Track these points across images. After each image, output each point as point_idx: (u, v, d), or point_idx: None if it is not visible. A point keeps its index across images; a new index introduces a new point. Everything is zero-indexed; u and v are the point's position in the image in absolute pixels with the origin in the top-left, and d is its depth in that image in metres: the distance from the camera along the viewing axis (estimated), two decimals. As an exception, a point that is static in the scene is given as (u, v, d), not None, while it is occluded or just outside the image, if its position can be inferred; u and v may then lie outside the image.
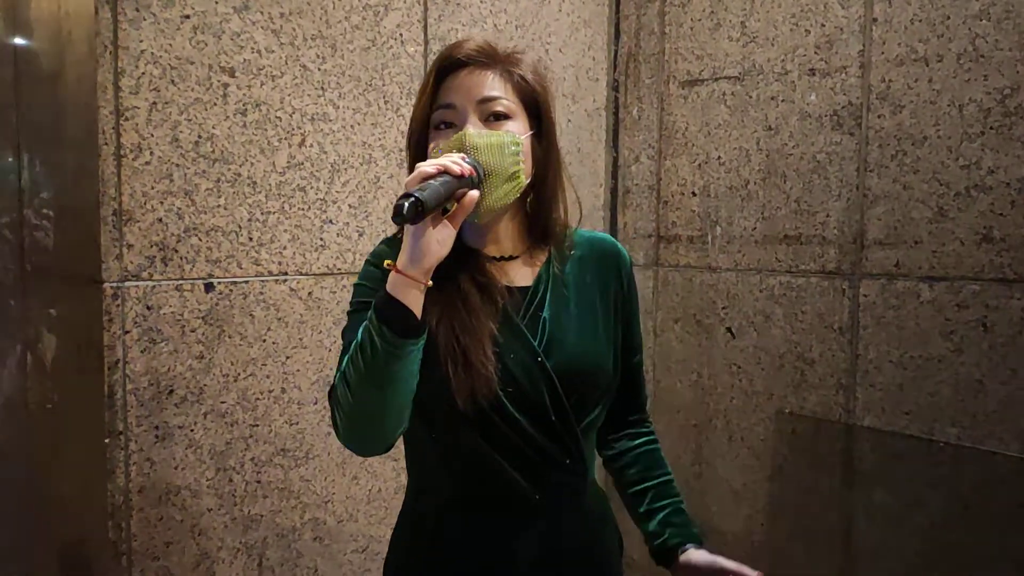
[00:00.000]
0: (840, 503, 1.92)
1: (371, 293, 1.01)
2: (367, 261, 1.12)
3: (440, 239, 0.96)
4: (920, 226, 1.77)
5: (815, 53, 1.93)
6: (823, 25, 1.91)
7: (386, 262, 0.97)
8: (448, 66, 1.08)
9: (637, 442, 1.26)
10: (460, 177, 0.96)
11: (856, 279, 1.87)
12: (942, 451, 1.75)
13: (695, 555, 1.16)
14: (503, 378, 1.04)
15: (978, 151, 1.68)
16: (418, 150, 1.09)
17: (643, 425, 1.28)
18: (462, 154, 1.00)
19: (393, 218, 0.90)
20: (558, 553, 1.09)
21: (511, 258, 1.13)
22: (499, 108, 1.06)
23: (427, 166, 0.95)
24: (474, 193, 0.98)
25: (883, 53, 1.81)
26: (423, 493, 1.15)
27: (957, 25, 1.70)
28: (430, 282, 0.96)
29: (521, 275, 1.12)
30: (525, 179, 1.07)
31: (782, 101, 1.99)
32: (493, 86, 1.07)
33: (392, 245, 1.09)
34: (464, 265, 1.06)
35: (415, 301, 0.95)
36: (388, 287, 0.95)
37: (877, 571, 1.86)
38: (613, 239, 1.23)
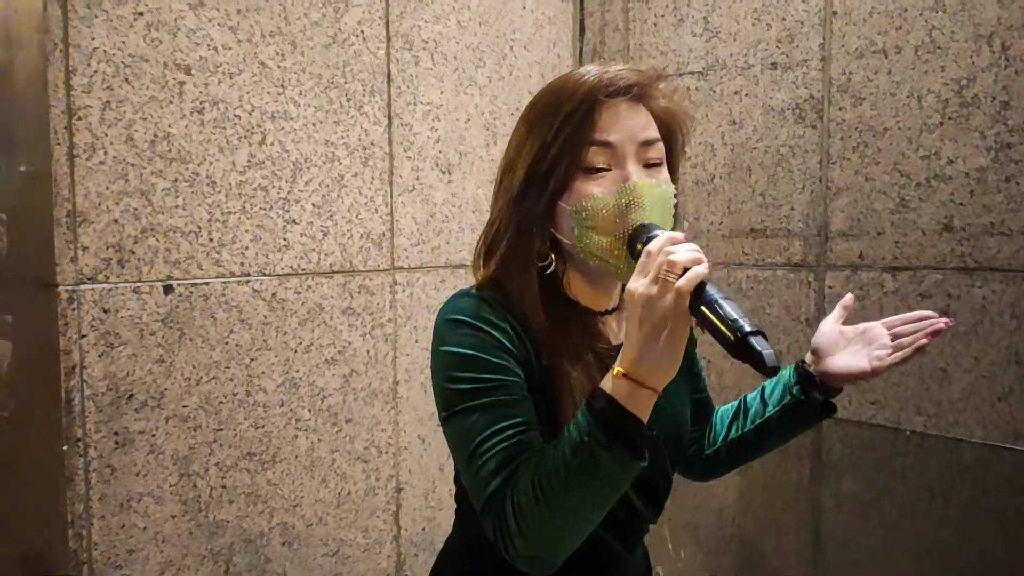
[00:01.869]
0: (809, 494, 1.93)
1: (488, 366, 0.88)
2: (461, 322, 0.91)
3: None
4: (882, 217, 1.78)
5: (777, 47, 1.94)
6: (784, 19, 1.92)
7: (617, 370, 0.81)
8: (606, 95, 0.91)
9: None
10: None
11: (821, 271, 1.89)
12: (908, 440, 1.76)
13: (818, 353, 1.13)
14: None
15: (937, 142, 1.70)
16: (553, 193, 0.92)
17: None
18: (680, 233, 0.85)
19: (771, 372, 0.73)
20: None
21: (612, 311, 1.03)
22: (656, 154, 0.93)
23: (702, 267, 0.78)
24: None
25: (843, 46, 1.83)
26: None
27: (914, 17, 1.71)
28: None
29: (620, 330, 1.02)
30: None
31: (745, 95, 2.00)
32: (650, 126, 0.93)
33: (483, 299, 0.94)
34: (576, 323, 0.95)
35: (648, 413, 0.81)
36: (621, 399, 0.79)
37: (846, 560, 1.87)
38: None
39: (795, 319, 1.93)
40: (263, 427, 1.70)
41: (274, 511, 1.72)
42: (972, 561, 1.67)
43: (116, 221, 1.48)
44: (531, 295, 0.93)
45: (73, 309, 1.45)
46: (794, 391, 1.13)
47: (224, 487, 1.64)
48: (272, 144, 1.68)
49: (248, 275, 1.66)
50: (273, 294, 1.70)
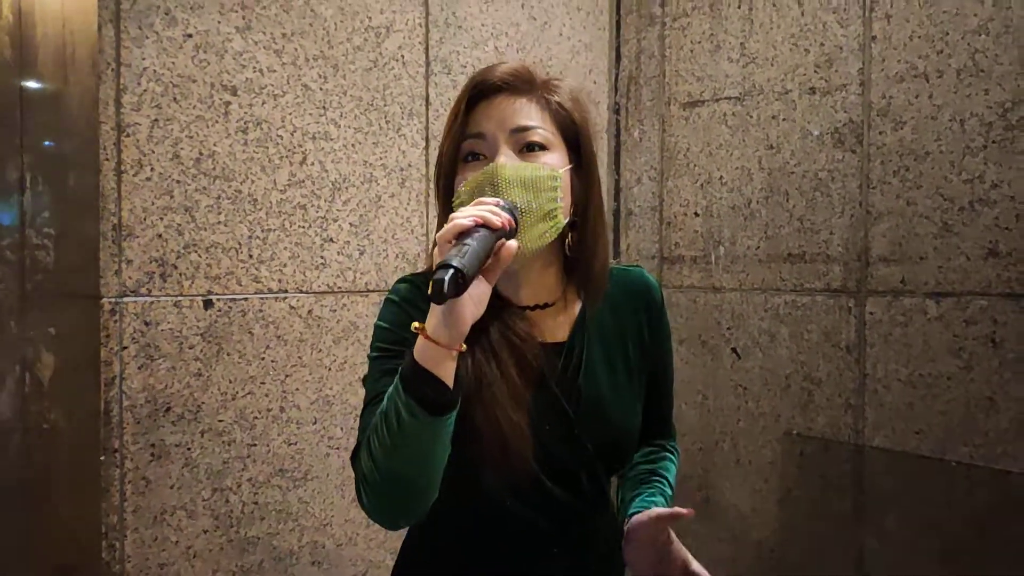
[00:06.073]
0: (851, 526, 1.87)
1: (395, 339, 0.93)
2: (388, 300, 1.00)
3: (475, 298, 0.84)
4: (925, 242, 1.75)
5: (815, 72, 1.93)
6: (822, 44, 1.92)
7: (414, 325, 0.84)
8: (480, 92, 0.98)
9: (649, 447, 1.18)
10: (499, 229, 0.84)
11: (862, 297, 1.85)
12: (954, 471, 1.71)
13: (636, 526, 1.02)
14: (538, 454, 0.95)
15: (981, 165, 1.67)
16: (447, 184, 0.99)
17: (664, 445, 1.19)
18: (496, 199, 0.89)
19: (432, 297, 0.75)
20: (578, 571, 1.05)
21: (545, 306, 1.03)
22: (535, 138, 0.96)
23: (463, 218, 0.82)
24: (513, 244, 0.86)
25: (883, 70, 1.81)
26: (440, 529, 1.04)
27: (956, 40, 1.70)
28: (464, 347, 0.84)
29: (556, 327, 1.03)
30: (564, 218, 0.96)
31: (783, 120, 1.99)
32: (529, 114, 0.97)
33: (414, 283, 1.00)
34: (494, 318, 0.94)
35: (447, 371, 0.83)
36: (416, 355, 0.83)
37: (891, 597, 1.81)
38: (642, 272, 1.13)
39: (835, 345, 1.89)
40: (296, 444, 1.70)
41: (304, 529, 1.72)
42: (1024, 599, 1.61)
43: (160, 236, 1.52)
44: None
45: (115, 321, 1.47)
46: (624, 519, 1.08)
47: (256, 503, 1.64)
48: (312, 164, 1.71)
49: (285, 292, 1.68)
50: (309, 311, 1.71)
